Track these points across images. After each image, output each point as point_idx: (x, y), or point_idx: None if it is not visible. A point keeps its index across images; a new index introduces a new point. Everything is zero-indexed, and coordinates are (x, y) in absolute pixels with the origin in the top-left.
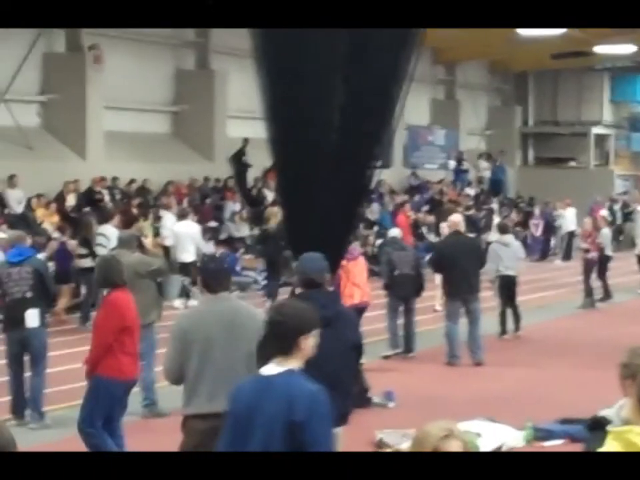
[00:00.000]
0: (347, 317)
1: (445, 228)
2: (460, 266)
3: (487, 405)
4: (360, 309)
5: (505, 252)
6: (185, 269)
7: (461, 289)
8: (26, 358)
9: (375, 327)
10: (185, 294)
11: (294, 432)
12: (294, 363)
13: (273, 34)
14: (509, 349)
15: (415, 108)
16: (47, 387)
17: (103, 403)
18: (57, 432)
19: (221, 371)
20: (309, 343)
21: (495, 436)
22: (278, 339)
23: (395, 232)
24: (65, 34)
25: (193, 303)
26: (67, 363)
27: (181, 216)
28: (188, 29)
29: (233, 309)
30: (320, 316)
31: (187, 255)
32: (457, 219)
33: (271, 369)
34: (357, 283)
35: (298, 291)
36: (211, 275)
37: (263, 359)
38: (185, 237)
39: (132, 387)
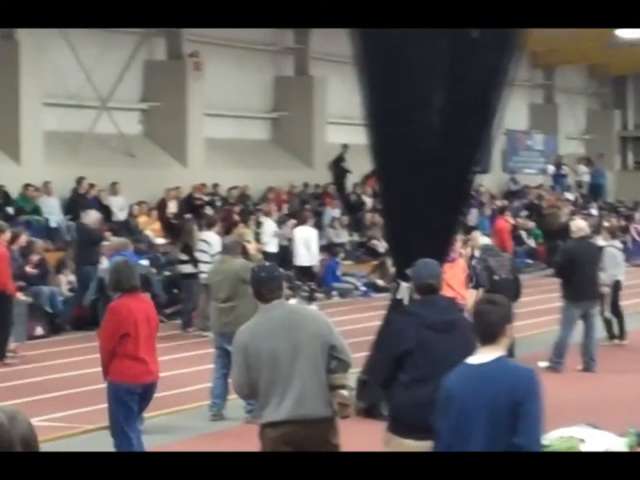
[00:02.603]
0: (466, 322)
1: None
2: (586, 271)
3: (589, 410)
4: None
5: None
6: (303, 272)
7: (586, 295)
8: None
9: None
10: (310, 298)
11: (517, 410)
12: (500, 350)
13: (374, 40)
14: (610, 354)
15: (513, 112)
16: None
17: (125, 408)
18: (156, 438)
19: (289, 377)
20: (511, 331)
21: (598, 442)
22: (487, 327)
23: (485, 240)
24: (165, 42)
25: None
26: (166, 370)
27: (301, 221)
28: (287, 36)
29: (290, 314)
30: (442, 320)
31: (306, 259)
32: (581, 223)
33: (480, 357)
34: (451, 284)
35: (415, 296)
36: (263, 284)
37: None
38: (304, 241)
39: (145, 391)
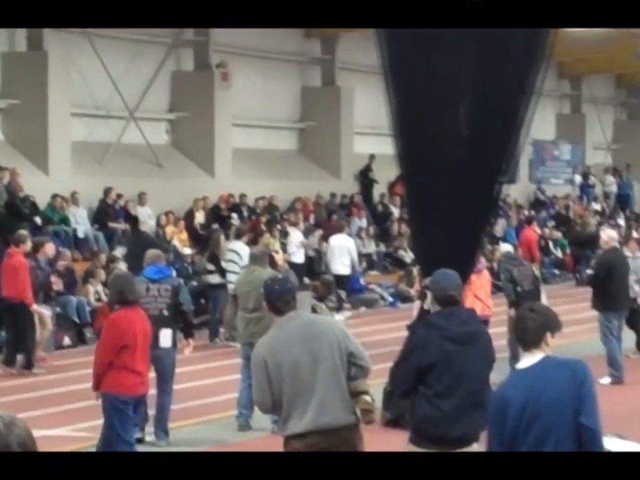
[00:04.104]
0: (486, 333)
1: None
2: (622, 281)
3: (617, 421)
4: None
5: None
6: (339, 281)
7: (622, 305)
8: (152, 374)
9: (499, 343)
10: (338, 308)
11: (581, 392)
12: (543, 354)
13: (401, 50)
14: (633, 365)
15: (540, 122)
16: (173, 403)
17: (124, 418)
18: (182, 449)
19: (310, 388)
20: (553, 341)
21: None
22: (526, 334)
23: (507, 247)
24: (193, 52)
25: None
26: (193, 380)
27: (337, 230)
28: (315, 46)
29: (306, 324)
30: (463, 332)
31: (343, 268)
32: (612, 234)
33: (527, 361)
34: (479, 295)
35: (435, 307)
36: (277, 297)
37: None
38: (341, 250)
39: (137, 402)
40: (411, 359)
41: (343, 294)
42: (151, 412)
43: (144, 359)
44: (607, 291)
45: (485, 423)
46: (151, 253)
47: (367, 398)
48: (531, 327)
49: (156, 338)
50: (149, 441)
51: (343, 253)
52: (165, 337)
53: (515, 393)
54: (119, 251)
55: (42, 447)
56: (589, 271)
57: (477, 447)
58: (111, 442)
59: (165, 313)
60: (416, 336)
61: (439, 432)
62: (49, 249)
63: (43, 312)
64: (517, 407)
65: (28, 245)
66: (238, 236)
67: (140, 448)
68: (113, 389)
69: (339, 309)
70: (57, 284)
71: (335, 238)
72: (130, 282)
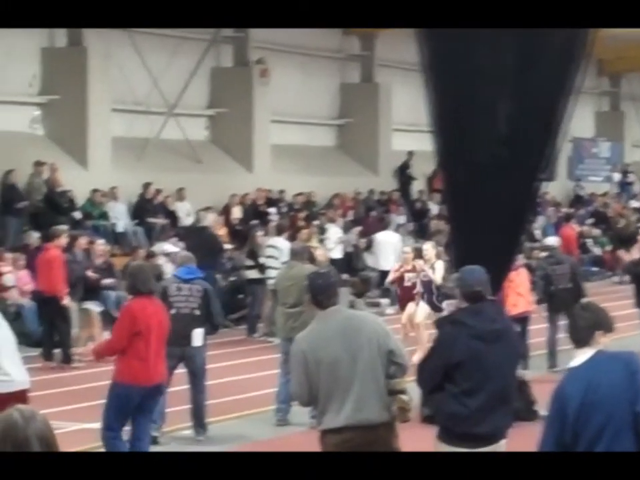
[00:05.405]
0: (513, 330)
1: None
2: None
3: None
4: (523, 318)
5: None
6: (385, 277)
7: None
8: (182, 371)
9: (539, 339)
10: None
11: (635, 388)
12: (594, 350)
13: (440, 47)
14: None
15: (579, 120)
16: (210, 398)
17: (119, 408)
18: (220, 444)
19: (348, 383)
20: (604, 340)
21: None
22: (576, 331)
23: (552, 240)
24: (232, 49)
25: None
26: (231, 375)
27: (381, 226)
28: (353, 43)
29: (347, 319)
30: (491, 330)
31: (388, 264)
32: None
33: (580, 358)
34: (520, 292)
35: (462, 304)
36: (320, 291)
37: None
38: (387, 246)
39: (150, 392)
40: (437, 356)
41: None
42: (179, 408)
43: (159, 349)
44: None
45: (512, 419)
46: (182, 254)
47: (404, 397)
48: (582, 325)
49: (188, 336)
50: (186, 435)
51: (388, 249)
52: (197, 336)
53: (572, 390)
54: (157, 247)
55: (77, 440)
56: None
57: (505, 444)
58: (104, 423)
59: (197, 312)
60: (443, 333)
61: (466, 429)
62: (83, 242)
63: (92, 308)
64: (575, 404)
65: (63, 240)
66: (279, 232)
67: (176, 444)
68: (122, 378)
69: (375, 304)
70: (93, 277)
71: (381, 234)
72: (142, 272)
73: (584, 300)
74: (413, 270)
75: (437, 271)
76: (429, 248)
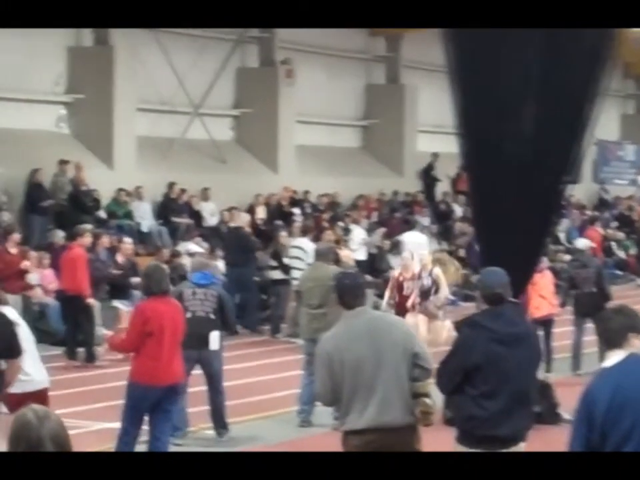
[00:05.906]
0: (533, 333)
1: None
2: None
3: None
4: (547, 321)
5: None
6: None
7: None
8: (198, 372)
9: (564, 342)
10: None
11: None
12: (627, 352)
13: (466, 48)
14: None
15: (604, 123)
16: (233, 399)
17: (134, 408)
18: (243, 444)
19: (372, 385)
20: (637, 343)
21: None
22: (609, 333)
23: (581, 243)
24: (257, 49)
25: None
26: (254, 375)
27: (407, 227)
28: (379, 44)
29: (372, 321)
30: (511, 333)
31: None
32: None
33: (613, 360)
34: (544, 295)
35: (482, 306)
36: (347, 291)
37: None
38: (414, 246)
39: (166, 393)
40: (456, 359)
41: None
42: (201, 408)
43: (173, 349)
44: None
45: (532, 422)
46: (197, 260)
47: (428, 401)
48: (613, 327)
49: (204, 339)
50: (208, 435)
51: (415, 250)
52: (214, 339)
53: (602, 391)
54: (182, 246)
55: (98, 439)
56: None
57: (524, 446)
58: (122, 421)
59: (212, 316)
60: (462, 335)
61: (485, 432)
62: (106, 241)
63: (120, 307)
64: (604, 405)
65: (87, 239)
66: (304, 233)
67: (195, 444)
68: (136, 378)
69: None
70: (116, 276)
71: (408, 235)
72: (156, 273)
73: (614, 303)
74: (412, 277)
75: (442, 284)
76: (426, 254)
